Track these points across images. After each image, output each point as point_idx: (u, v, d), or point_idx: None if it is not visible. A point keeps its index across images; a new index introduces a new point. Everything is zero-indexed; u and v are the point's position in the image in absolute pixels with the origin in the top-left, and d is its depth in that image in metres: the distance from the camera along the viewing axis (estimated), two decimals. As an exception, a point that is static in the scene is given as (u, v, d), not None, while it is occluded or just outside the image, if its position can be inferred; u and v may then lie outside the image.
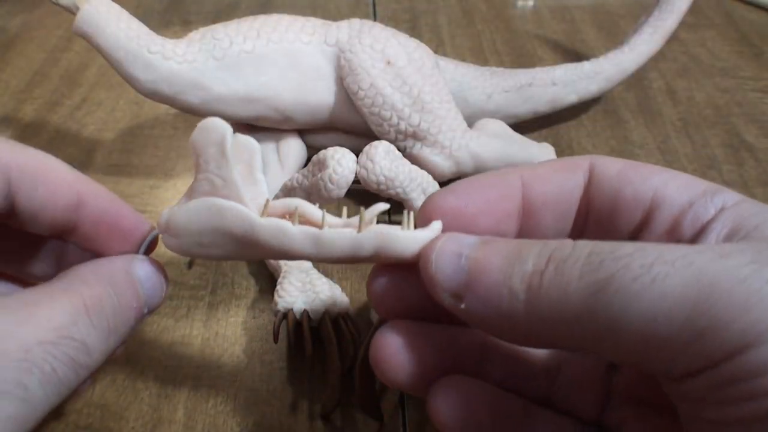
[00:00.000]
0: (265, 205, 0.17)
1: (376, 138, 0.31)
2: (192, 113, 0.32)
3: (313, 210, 0.17)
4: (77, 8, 0.30)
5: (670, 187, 0.17)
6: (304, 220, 0.17)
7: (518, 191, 0.18)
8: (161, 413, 0.25)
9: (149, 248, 0.19)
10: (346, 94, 0.31)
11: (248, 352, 0.27)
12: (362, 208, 0.17)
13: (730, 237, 0.15)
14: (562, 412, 0.19)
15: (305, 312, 0.25)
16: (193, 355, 0.27)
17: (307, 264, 0.29)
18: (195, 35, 0.31)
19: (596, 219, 0.18)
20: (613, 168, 0.18)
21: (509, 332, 0.15)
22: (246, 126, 0.34)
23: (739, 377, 0.12)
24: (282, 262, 0.28)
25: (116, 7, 0.31)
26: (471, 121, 0.34)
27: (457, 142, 0.32)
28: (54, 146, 0.39)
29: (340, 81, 0.31)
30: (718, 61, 0.46)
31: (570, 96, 0.37)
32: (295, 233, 0.16)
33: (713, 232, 0.16)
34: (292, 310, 0.26)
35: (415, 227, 0.17)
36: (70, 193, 0.18)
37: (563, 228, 0.19)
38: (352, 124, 0.33)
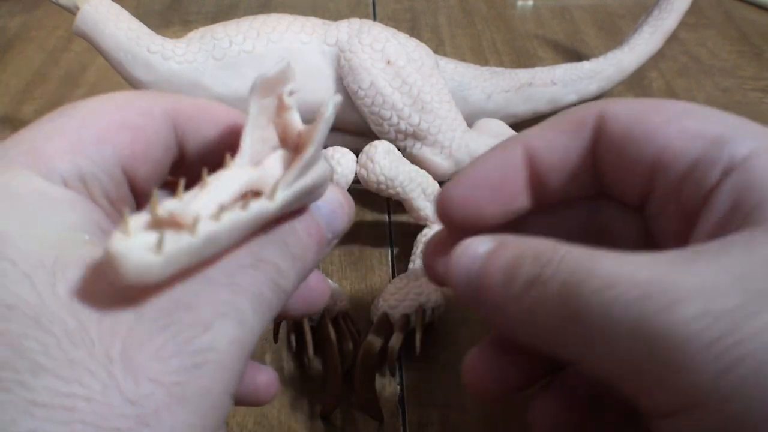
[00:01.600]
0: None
1: (376, 138, 0.31)
2: (192, 113, 0.32)
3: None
4: (77, 8, 0.30)
5: (677, 143, 0.15)
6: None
7: (521, 166, 0.17)
8: (161, 413, 0.25)
9: None
10: (346, 93, 0.31)
11: (248, 352, 0.27)
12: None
13: (726, 222, 0.14)
14: None
15: (305, 312, 0.25)
16: (193, 355, 0.27)
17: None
18: (195, 35, 0.31)
19: (610, 183, 0.17)
20: (621, 122, 0.16)
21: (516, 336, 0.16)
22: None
23: None
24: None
25: (116, 7, 0.31)
26: (471, 120, 0.34)
27: (456, 141, 0.32)
28: (54, 146, 0.39)
29: (340, 81, 0.31)
30: (718, 60, 0.46)
31: (570, 96, 0.37)
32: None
33: (711, 212, 0.15)
34: (292, 309, 0.25)
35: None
36: (233, 127, 0.17)
37: (581, 191, 0.18)
38: (352, 124, 0.33)
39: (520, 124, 0.37)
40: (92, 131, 0.15)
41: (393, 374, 0.26)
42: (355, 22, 0.32)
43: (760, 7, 0.52)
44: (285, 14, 0.32)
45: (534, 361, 0.18)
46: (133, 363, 0.12)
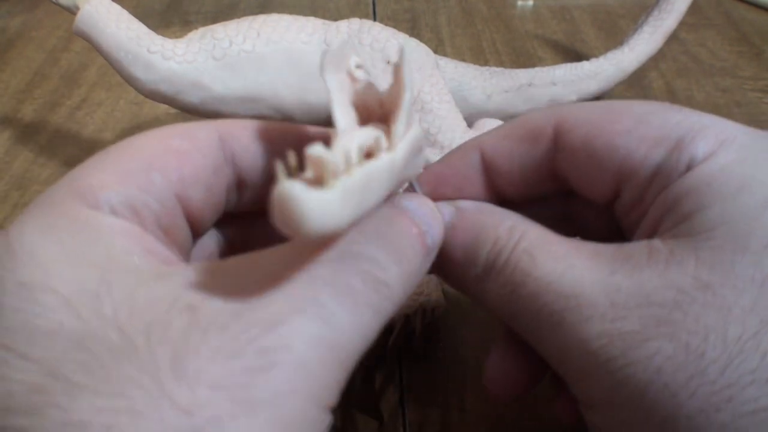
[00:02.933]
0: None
1: (376, 138, 0.31)
2: (192, 113, 0.32)
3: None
4: (77, 8, 0.30)
5: (638, 152, 0.15)
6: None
7: (479, 174, 0.18)
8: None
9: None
10: (346, 94, 0.31)
11: (248, 352, 0.27)
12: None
13: (661, 221, 0.15)
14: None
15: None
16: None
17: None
18: (195, 35, 0.31)
19: (575, 186, 0.17)
20: (579, 134, 0.16)
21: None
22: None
23: None
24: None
25: (116, 7, 0.31)
26: (471, 120, 0.34)
27: (456, 141, 0.32)
28: (54, 146, 0.39)
29: (340, 81, 0.31)
30: (718, 60, 0.46)
31: (570, 96, 0.37)
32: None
33: (655, 209, 0.15)
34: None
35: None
36: (282, 141, 0.16)
37: (544, 191, 0.18)
38: (352, 124, 0.33)
39: (520, 124, 0.37)
40: (138, 161, 0.14)
41: (393, 374, 0.26)
42: (355, 22, 0.32)
43: (760, 7, 0.52)
44: (285, 14, 0.32)
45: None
46: (187, 368, 0.10)
